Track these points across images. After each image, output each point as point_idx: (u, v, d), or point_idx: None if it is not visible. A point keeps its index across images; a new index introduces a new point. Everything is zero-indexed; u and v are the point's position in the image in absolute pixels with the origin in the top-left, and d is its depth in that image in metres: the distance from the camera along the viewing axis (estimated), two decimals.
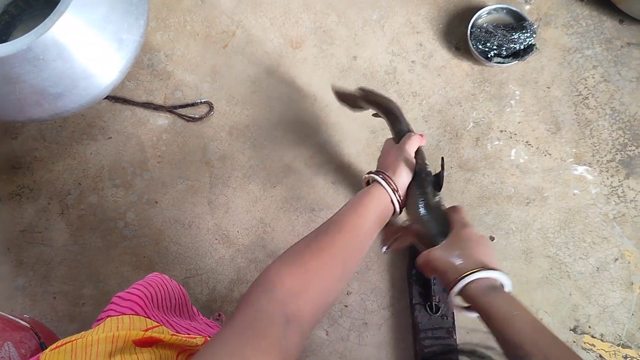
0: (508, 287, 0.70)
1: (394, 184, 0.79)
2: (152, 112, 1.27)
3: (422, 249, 0.78)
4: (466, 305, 0.71)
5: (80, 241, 1.21)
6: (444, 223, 0.78)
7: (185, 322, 0.73)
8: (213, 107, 1.26)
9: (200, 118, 1.26)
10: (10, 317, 0.90)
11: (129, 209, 1.22)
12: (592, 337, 1.14)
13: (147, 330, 0.59)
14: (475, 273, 0.68)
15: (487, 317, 0.65)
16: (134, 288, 0.65)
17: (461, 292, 0.69)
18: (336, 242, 0.66)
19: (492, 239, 1.19)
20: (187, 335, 0.62)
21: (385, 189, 0.78)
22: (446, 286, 0.72)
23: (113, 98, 1.26)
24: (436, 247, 0.75)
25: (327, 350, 1.14)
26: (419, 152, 0.87)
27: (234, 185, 1.24)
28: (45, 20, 0.91)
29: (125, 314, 0.60)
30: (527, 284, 1.17)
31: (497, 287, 0.69)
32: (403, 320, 1.16)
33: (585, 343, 1.14)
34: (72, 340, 0.54)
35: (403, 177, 0.82)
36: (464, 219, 0.77)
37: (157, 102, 1.27)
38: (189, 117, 1.26)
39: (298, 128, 1.26)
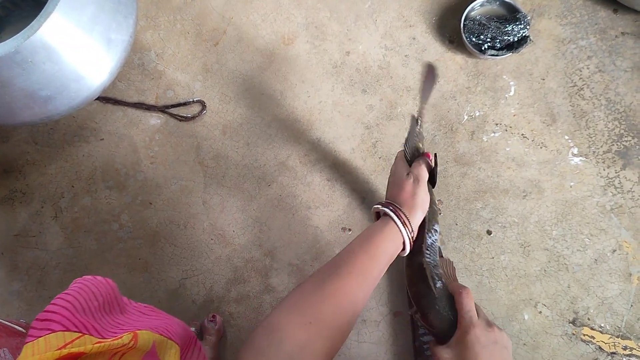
0: None
1: (410, 224, 0.74)
2: (144, 112, 1.26)
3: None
4: None
5: (74, 244, 1.20)
6: (454, 315, 0.72)
7: (116, 319, 0.70)
8: (205, 106, 1.25)
9: (193, 117, 1.25)
10: (6, 322, 0.89)
11: (123, 211, 1.21)
12: (592, 329, 1.14)
13: (64, 346, 0.56)
14: None
15: None
16: (51, 304, 0.61)
17: None
18: (347, 285, 0.64)
19: (489, 233, 1.18)
20: (114, 338, 0.60)
21: (401, 231, 0.73)
22: None
23: (104, 99, 1.25)
24: (444, 347, 0.69)
25: None
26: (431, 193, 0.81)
27: (228, 184, 1.23)
28: (33, 22, 0.90)
29: (41, 336, 0.57)
30: (525, 277, 1.16)
31: None
32: (401, 317, 1.15)
33: (584, 335, 1.13)
34: None
35: (417, 217, 0.76)
36: (470, 313, 0.70)
37: (149, 102, 1.26)
38: (182, 116, 1.25)
39: (292, 125, 1.25)
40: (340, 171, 1.23)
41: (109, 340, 0.59)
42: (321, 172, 1.23)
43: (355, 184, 1.22)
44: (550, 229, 1.18)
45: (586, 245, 1.17)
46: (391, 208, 0.75)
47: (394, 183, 0.82)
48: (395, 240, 0.73)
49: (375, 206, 0.79)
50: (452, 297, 0.73)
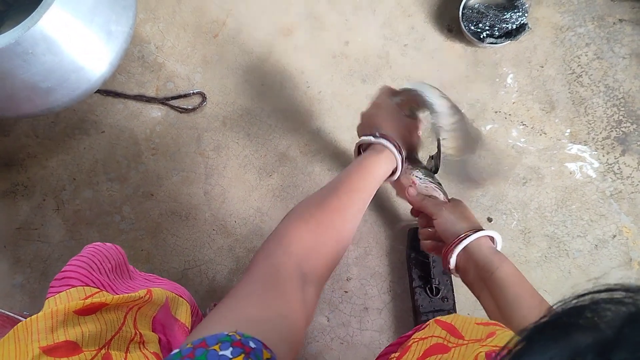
0: (500, 246, 0.83)
1: (403, 150, 0.84)
2: (144, 104, 1.26)
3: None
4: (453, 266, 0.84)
5: (77, 236, 1.21)
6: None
7: (126, 283, 0.73)
8: (206, 97, 1.25)
9: (194, 109, 1.25)
10: (9, 313, 0.90)
11: (124, 203, 1.22)
12: None
13: (86, 298, 0.58)
14: (483, 231, 0.80)
15: (488, 274, 0.76)
16: (67, 265, 0.64)
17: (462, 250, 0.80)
18: (345, 203, 0.70)
19: (489, 220, 1.19)
20: (130, 293, 0.62)
21: (394, 154, 0.83)
22: (450, 241, 0.82)
23: (104, 91, 1.25)
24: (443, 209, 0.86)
25: (329, 337, 1.14)
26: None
27: (229, 175, 1.23)
28: (33, 14, 0.90)
29: (62, 291, 0.60)
30: (526, 263, 1.17)
31: (498, 251, 0.80)
32: (403, 304, 1.16)
33: None
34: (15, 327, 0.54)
35: (406, 150, 0.87)
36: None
37: (149, 94, 1.26)
38: (182, 108, 1.25)
39: (292, 116, 1.26)
40: (341, 160, 1.23)
41: (127, 294, 0.61)
42: (322, 162, 1.23)
43: None
44: (551, 215, 1.19)
45: (586, 231, 1.17)
46: (388, 140, 0.83)
47: (379, 109, 0.91)
48: (386, 165, 0.82)
49: (364, 138, 0.86)
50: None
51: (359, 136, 0.90)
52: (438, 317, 0.65)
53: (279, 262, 0.56)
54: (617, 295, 0.27)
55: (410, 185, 0.91)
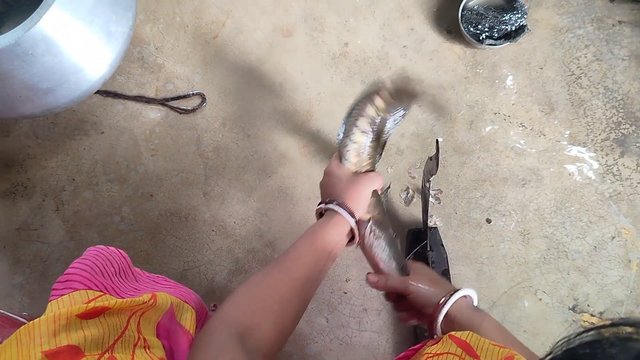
0: (476, 300, 0.77)
1: (354, 211, 0.77)
2: (144, 105, 1.26)
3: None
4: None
5: (76, 237, 1.21)
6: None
7: (131, 285, 0.72)
8: (205, 98, 1.26)
9: (193, 110, 1.25)
10: (8, 314, 0.90)
11: (124, 204, 1.22)
12: (591, 315, 1.14)
13: (89, 302, 0.58)
14: (458, 292, 0.75)
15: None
16: (70, 268, 0.63)
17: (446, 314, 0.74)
18: (292, 277, 0.67)
19: (488, 221, 1.19)
20: (134, 297, 0.62)
21: (345, 217, 0.76)
22: (432, 311, 0.76)
23: (104, 92, 1.25)
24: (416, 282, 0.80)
25: (328, 337, 1.14)
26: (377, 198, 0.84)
27: (229, 176, 1.23)
28: (33, 14, 0.90)
29: (65, 295, 0.59)
30: (525, 264, 1.17)
31: (477, 308, 0.75)
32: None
33: (584, 321, 1.14)
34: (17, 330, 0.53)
35: (360, 209, 0.79)
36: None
37: (149, 95, 1.27)
38: (182, 109, 1.25)
39: (291, 117, 1.26)
40: None
41: (130, 298, 0.61)
42: (321, 163, 1.23)
43: None
44: (550, 216, 1.19)
45: (585, 232, 1.18)
46: (335, 202, 0.77)
47: (331, 178, 0.84)
48: (340, 232, 0.76)
49: (318, 207, 0.80)
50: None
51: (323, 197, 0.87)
52: (452, 333, 0.64)
53: (222, 344, 0.56)
54: (624, 330, 0.27)
55: (378, 274, 0.84)
